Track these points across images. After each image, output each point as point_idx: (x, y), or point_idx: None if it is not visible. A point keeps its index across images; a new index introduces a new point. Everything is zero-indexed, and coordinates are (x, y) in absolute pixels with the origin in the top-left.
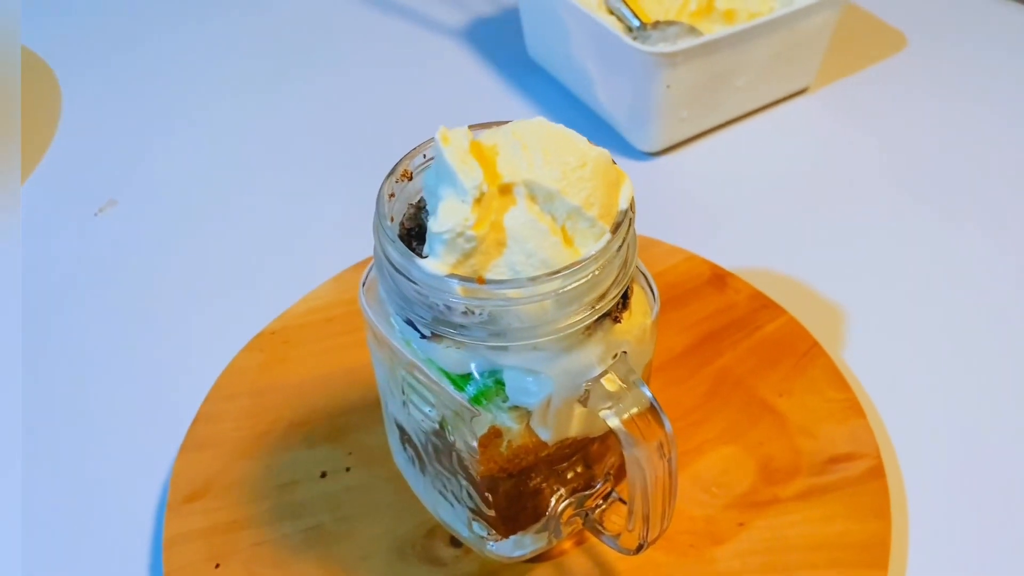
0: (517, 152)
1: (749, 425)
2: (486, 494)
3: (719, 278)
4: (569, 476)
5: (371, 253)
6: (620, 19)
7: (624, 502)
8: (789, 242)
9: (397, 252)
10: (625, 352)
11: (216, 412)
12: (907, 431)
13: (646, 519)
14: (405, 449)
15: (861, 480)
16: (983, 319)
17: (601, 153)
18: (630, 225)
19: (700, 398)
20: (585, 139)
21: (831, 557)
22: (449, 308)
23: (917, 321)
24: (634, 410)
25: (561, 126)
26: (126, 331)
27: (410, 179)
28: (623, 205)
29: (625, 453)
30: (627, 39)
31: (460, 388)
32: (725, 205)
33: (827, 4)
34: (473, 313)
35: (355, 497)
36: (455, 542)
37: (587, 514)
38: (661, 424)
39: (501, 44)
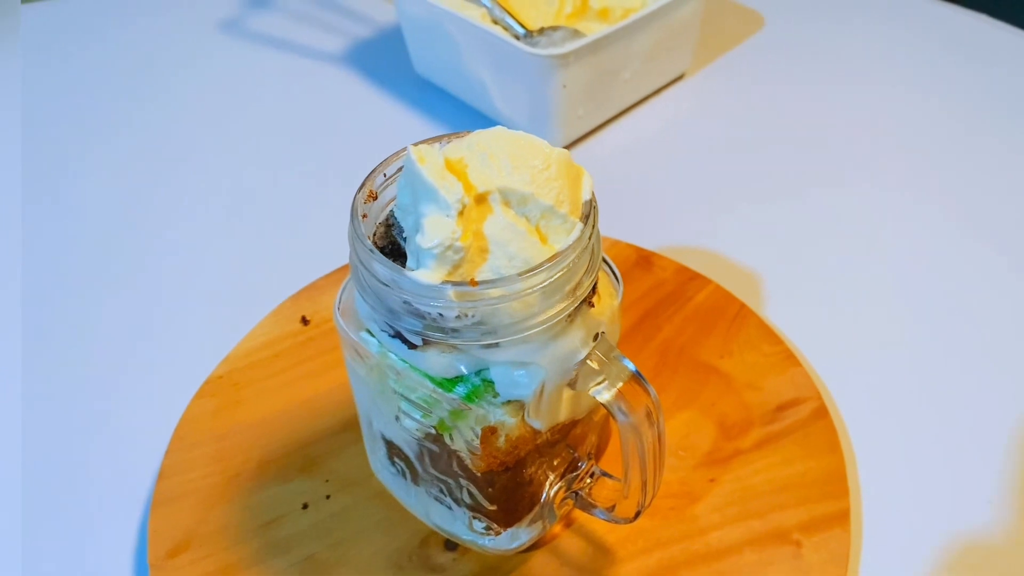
0: (485, 162)
1: (700, 389)
2: (488, 489)
3: (644, 259)
4: (556, 462)
5: (301, 286)
6: (505, 28)
7: (609, 476)
8: (698, 217)
9: (386, 268)
10: (603, 332)
11: (180, 463)
12: (836, 374)
13: (644, 485)
14: (393, 463)
15: (809, 422)
16: (882, 264)
17: (561, 153)
18: (595, 214)
19: (651, 372)
20: (544, 141)
21: (797, 495)
22: (442, 315)
23: (824, 275)
24: (620, 382)
25: (519, 132)
26: (65, 396)
27: (375, 199)
28: (586, 196)
29: (619, 423)
30: (522, 45)
31: (449, 391)
32: (633, 191)
33: None
34: (466, 316)
35: (341, 522)
36: (450, 546)
37: (577, 494)
38: (646, 391)
39: (386, 65)
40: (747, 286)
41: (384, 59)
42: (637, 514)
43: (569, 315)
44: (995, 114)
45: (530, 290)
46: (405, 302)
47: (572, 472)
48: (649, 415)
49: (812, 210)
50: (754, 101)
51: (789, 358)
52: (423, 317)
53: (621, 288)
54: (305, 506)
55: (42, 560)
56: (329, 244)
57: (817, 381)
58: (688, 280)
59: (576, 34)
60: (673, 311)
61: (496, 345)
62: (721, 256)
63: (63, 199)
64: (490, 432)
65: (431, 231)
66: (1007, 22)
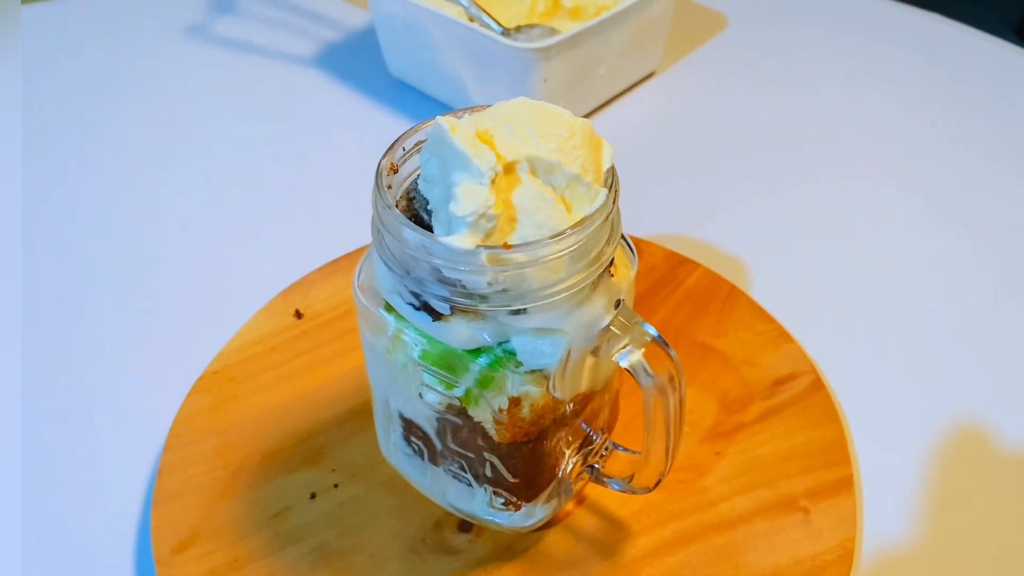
0: (512, 132)
1: (699, 367)
2: (510, 461)
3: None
4: (572, 437)
5: (293, 281)
6: (483, 26)
7: (623, 449)
8: (678, 208)
9: (419, 235)
10: (623, 300)
11: (180, 460)
12: (822, 350)
13: (667, 450)
14: (409, 444)
15: (806, 394)
16: (855, 246)
17: (584, 122)
18: (617, 183)
19: None
20: (567, 111)
21: (802, 464)
22: (474, 281)
23: (802, 258)
24: (643, 346)
25: (542, 102)
26: (57, 397)
27: (395, 172)
28: (607, 165)
29: (642, 386)
30: (505, 40)
31: (472, 362)
32: None
33: None
34: (497, 282)
35: (352, 510)
36: (464, 527)
37: (593, 467)
38: (668, 355)
39: (359, 67)
40: (729, 272)
41: (357, 62)
42: (657, 482)
43: (592, 282)
44: (949, 105)
45: (559, 254)
46: (435, 269)
47: (587, 446)
48: (672, 378)
49: (786, 199)
50: (722, 97)
51: (782, 335)
52: (452, 285)
53: (636, 261)
54: (313, 496)
55: (41, 560)
56: (315, 241)
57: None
58: (678, 264)
59: (553, 31)
60: (667, 294)
61: (524, 312)
62: (702, 243)
63: (56, 199)
64: (515, 403)
65: (465, 199)
66: (960, 21)
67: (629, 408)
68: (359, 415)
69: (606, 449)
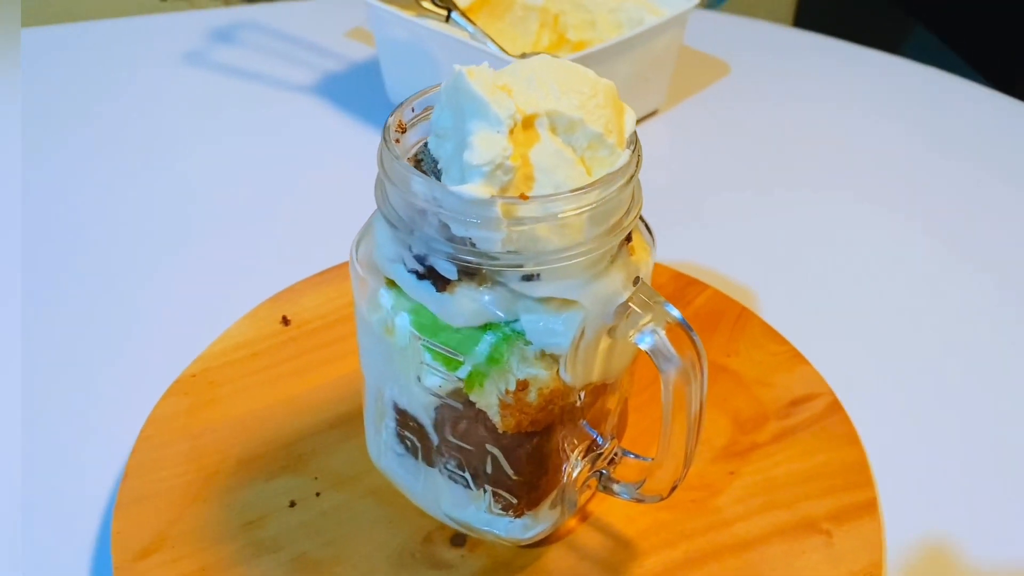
0: (532, 86)
1: (710, 385)
2: (514, 455)
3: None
4: (578, 440)
5: (277, 291)
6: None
7: (633, 455)
8: (682, 235)
9: (428, 185)
10: (642, 278)
11: (149, 462)
12: (836, 373)
13: (687, 450)
14: (403, 441)
15: (824, 415)
16: (861, 271)
17: (607, 83)
18: (640, 148)
19: (652, 371)
20: (590, 70)
21: (822, 486)
22: (485, 238)
23: (810, 283)
24: (664, 327)
25: (564, 60)
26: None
27: (403, 131)
28: (630, 130)
29: (662, 372)
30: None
31: (478, 341)
32: None
33: (673, 22)
34: (511, 240)
35: (335, 519)
36: (457, 541)
37: (601, 474)
38: (692, 339)
39: (358, 95)
40: (736, 297)
41: (356, 90)
42: (672, 488)
43: (611, 256)
44: (945, 146)
45: (579, 211)
46: (444, 226)
47: (595, 451)
48: (694, 365)
49: (791, 230)
50: (725, 134)
51: (796, 356)
52: (462, 243)
53: (655, 245)
54: (293, 504)
55: None
56: (308, 255)
57: None
58: (686, 285)
59: None
60: None
61: (536, 278)
62: (707, 270)
63: (52, 208)
64: (521, 386)
65: (481, 148)
66: (957, 74)
67: (637, 423)
68: (346, 422)
69: (615, 455)
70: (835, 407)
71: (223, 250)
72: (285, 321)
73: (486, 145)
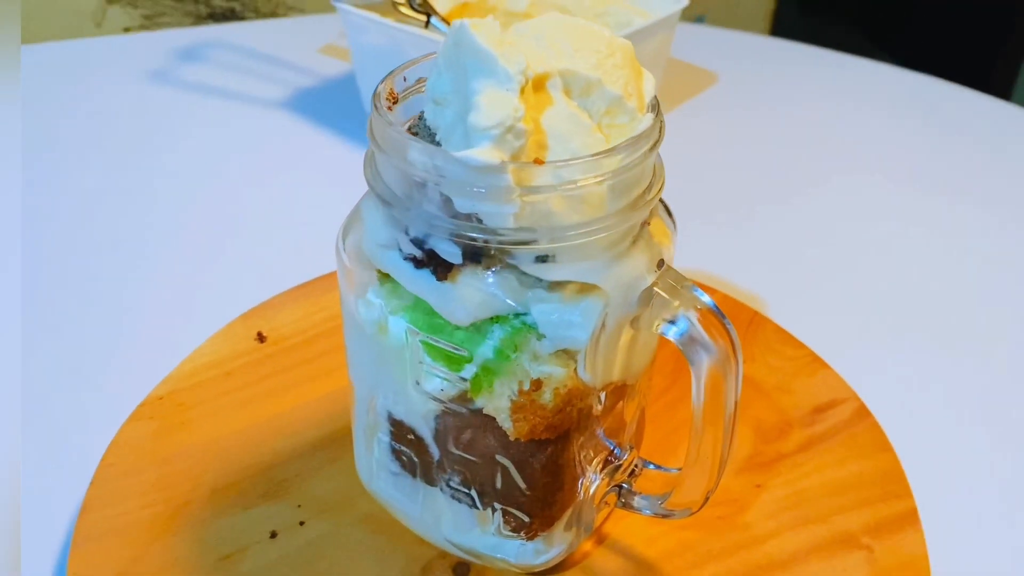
0: (541, 44)
1: None
2: (527, 465)
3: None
4: (595, 452)
5: (245, 310)
6: None
7: (656, 467)
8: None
9: (428, 152)
10: (665, 260)
11: (110, 494)
12: (858, 377)
13: (722, 454)
14: (398, 458)
15: (852, 422)
16: (868, 271)
17: (624, 42)
18: (662, 115)
19: (668, 377)
20: (605, 29)
21: (857, 497)
22: (494, 213)
23: (818, 287)
24: (696, 314)
25: (576, 18)
26: None
27: (395, 101)
28: (650, 95)
29: (693, 364)
30: None
31: (482, 338)
32: None
33: (661, 25)
34: (523, 214)
35: (321, 551)
36: (460, 571)
37: (621, 488)
38: (725, 327)
39: (333, 109)
40: (748, 302)
41: (330, 105)
42: (705, 499)
43: (633, 236)
44: (928, 142)
45: (599, 178)
46: (446, 201)
47: (613, 463)
48: (729, 356)
49: (791, 230)
50: (718, 139)
51: (816, 360)
52: (468, 219)
53: (676, 229)
54: (274, 535)
55: None
56: (285, 272)
57: None
58: None
59: None
60: None
61: (552, 259)
62: (710, 276)
63: (21, 225)
64: (535, 387)
65: (489, 108)
66: (937, 76)
67: (650, 435)
68: (331, 444)
69: (636, 466)
70: (862, 412)
71: (196, 266)
72: (261, 338)
73: (494, 105)
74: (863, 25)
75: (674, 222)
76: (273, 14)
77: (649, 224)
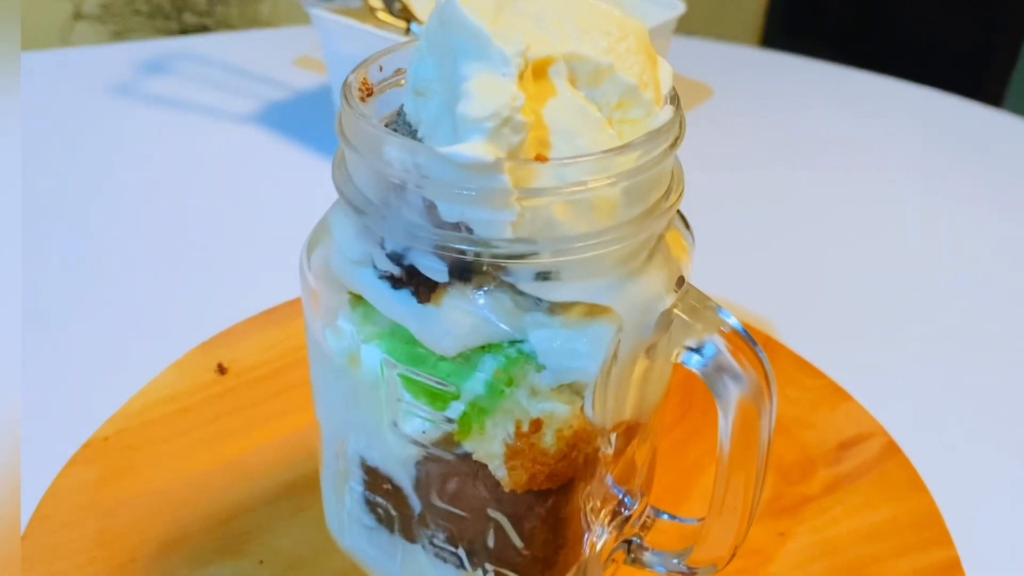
0: (542, 25)
1: None
2: (528, 515)
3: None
4: (600, 503)
5: (206, 338)
6: None
7: (670, 517)
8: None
9: (409, 148)
10: (684, 278)
11: (44, 550)
12: (885, 409)
13: (753, 502)
14: (373, 511)
15: (881, 460)
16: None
17: (637, 23)
18: (682, 110)
19: (676, 413)
20: (616, 8)
21: (894, 545)
22: (487, 221)
23: (829, 305)
24: (722, 340)
25: None
26: None
27: (370, 94)
28: (668, 86)
29: (720, 397)
30: None
31: (473, 369)
32: None
33: (657, 32)
34: (523, 222)
35: None
36: None
37: (631, 543)
38: (756, 355)
39: (306, 123)
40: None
41: (303, 118)
42: (733, 553)
43: (649, 250)
44: (926, 153)
45: (611, 180)
46: (429, 207)
47: (622, 514)
48: (762, 388)
49: (798, 249)
50: (716, 153)
51: (837, 392)
52: (455, 229)
53: (694, 243)
54: None
55: None
56: (249, 294)
57: None
58: None
59: None
60: None
61: (555, 277)
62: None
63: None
64: (534, 428)
65: (482, 96)
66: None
67: (660, 477)
68: (299, 491)
69: (647, 517)
70: (892, 449)
71: (154, 290)
72: (221, 370)
73: (488, 93)
74: (850, 42)
75: (692, 235)
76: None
77: (665, 237)
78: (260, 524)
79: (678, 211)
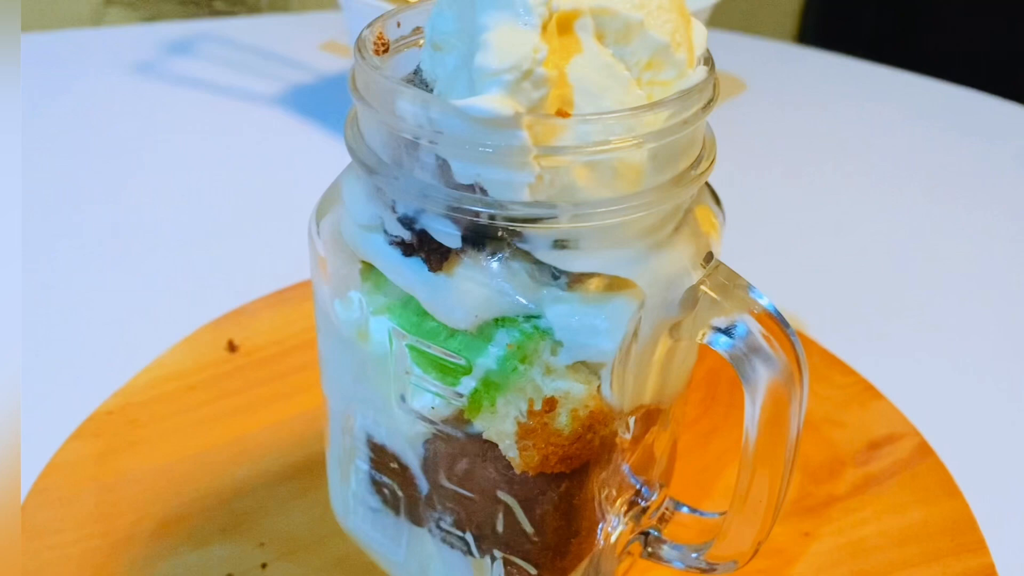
0: None
1: None
2: (540, 499)
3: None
4: (616, 492)
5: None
6: None
7: (690, 510)
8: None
9: (422, 101)
10: (713, 254)
11: (40, 523)
12: (917, 409)
13: (780, 494)
14: (379, 491)
15: (913, 461)
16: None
17: None
18: (716, 72)
19: (699, 406)
20: None
21: (924, 550)
22: (503, 181)
23: (860, 302)
24: (753, 320)
25: None
26: None
27: (385, 49)
28: (701, 47)
29: (749, 381)
30: None
31: (484, 345)
32: None
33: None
34: (541, 185)
35: None
36: None
37: (647, 535)
38: (788, 338)
39: (330, 107)
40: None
41: (328, 102)
42: (756, 549)
43: (676, 222)
44: (964, 154)
45: (640, 140)
46: (442, 165)
47: (639, 505)
48: (794, 373)
49: (828, 245)
50: (747, 146)
51: (868, 390)
52: (470, 190)
53: (724, 220)
54: None
55: None
56: (268, 274)
57: None
58: None
59: None
60: None
61: (575, 246)
62: None
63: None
64: (549, 407)
65: (501, 47)
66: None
67: (680, 472)
68: (303, 473)
69: (666, 510)
70: (924, 450)
71: (172, 267)
72: (231, 347)
73: (508, 43)
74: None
75: (722, 210)
76: None
77: (694, 211)
78: (262, 505)
79: (708, 186)
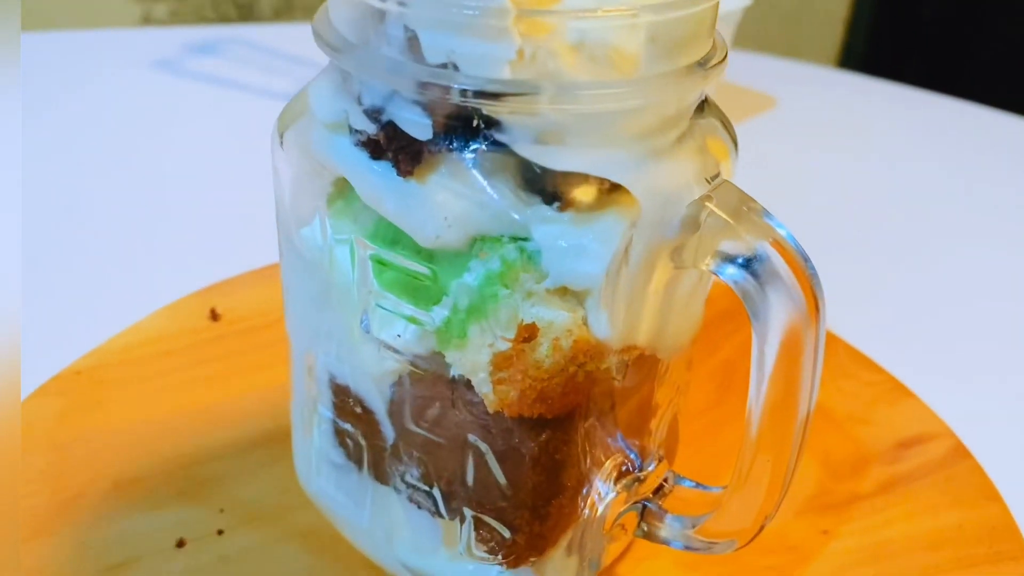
0: None
1: None
2: (512, 456)
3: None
4: (604, 455)
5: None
6: None
7: (693, 485)
8: None
9: None
10: (721, 174)
11: None
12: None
13: (789, 472)
14: (342, 443)
15: (947, 462)
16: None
17: None
18: None
19: (711, 396)
20: None
21: (960, 555)
22: (480, 54)
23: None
24: (766, 245)
25: None
26: None
27: None
28: None
29: (758, 317)
30: None
31: (460, 266)
32: None
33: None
34: (523, 60)
35: (239, 568)
36: None
37: (645, 506)
38: (806, 274)
39: None
40: None
41: None
42: (760, 527)
43: (681, 131)
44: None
45: (637, 15)
46: (411, 40)
47: (633, 474)
48: (810, 314)
49: (855, 236)
50: (772, 162)
51: (897, 388)
52: (443, 68)
53: (737, 153)
54: (181, 543)
55: None
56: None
57: None
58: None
59: None
60: (731, 330)
61: (560, 139)
62: None
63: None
64: (527, 335)
65: None
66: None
67: (688, 460)
68: (273, 443)
69: (665, 481)
70: (960, 452)
71: (164, 243)
72: (214, 315)
73: None
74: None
75: (735, 143)
76: None
77: (703, 129)
78: (227, 472)
79: (725, 124)
